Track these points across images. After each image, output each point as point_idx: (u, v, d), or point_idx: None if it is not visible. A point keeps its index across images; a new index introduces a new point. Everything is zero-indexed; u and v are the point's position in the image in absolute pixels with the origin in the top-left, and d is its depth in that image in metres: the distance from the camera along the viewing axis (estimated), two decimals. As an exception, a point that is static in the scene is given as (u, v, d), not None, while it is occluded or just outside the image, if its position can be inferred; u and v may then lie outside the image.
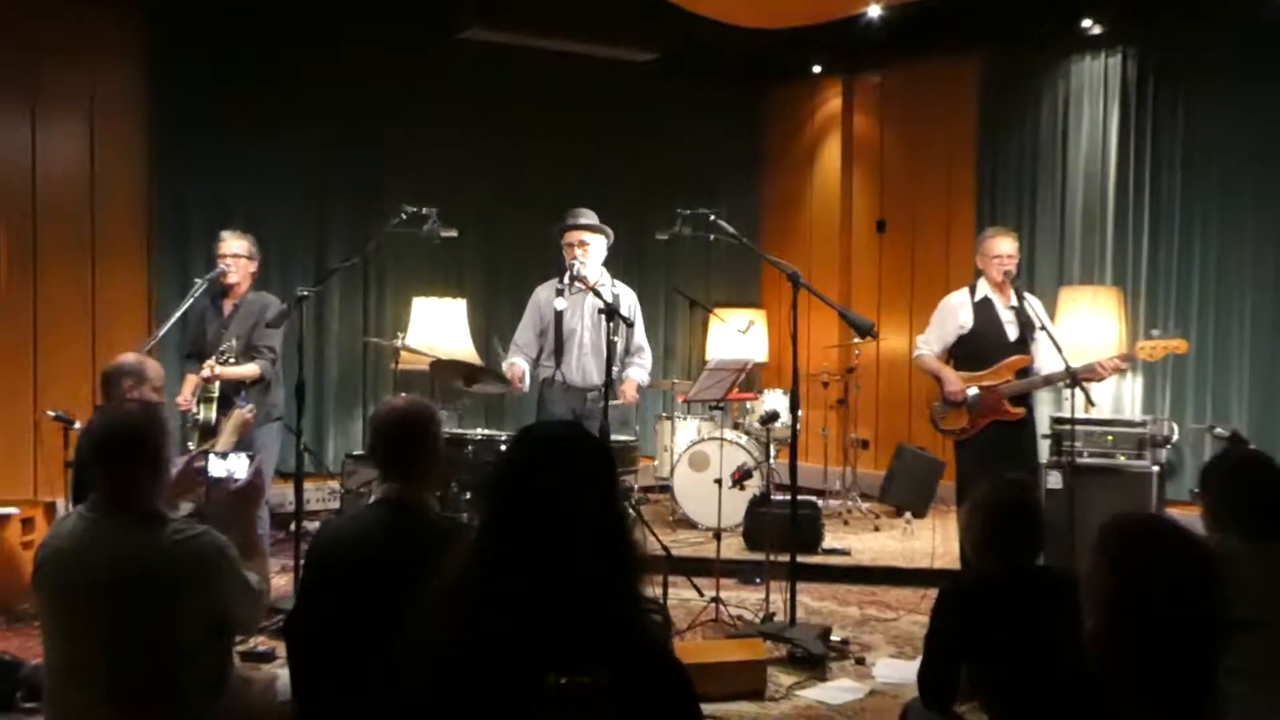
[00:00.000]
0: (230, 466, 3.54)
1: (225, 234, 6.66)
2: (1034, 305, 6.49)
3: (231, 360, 6.25)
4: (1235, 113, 7.69)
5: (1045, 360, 6.37)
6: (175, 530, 3.09)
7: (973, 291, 6.54)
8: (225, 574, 3.10)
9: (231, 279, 6.51)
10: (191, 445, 6.27)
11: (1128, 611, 2.02)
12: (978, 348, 6.45)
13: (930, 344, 6.58)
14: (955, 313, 6.51)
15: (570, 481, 2.05)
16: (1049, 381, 6.45)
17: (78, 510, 3.22)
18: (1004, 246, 6.42)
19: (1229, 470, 3.58)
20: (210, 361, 6.22)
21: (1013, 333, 6.43)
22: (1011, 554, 3.44)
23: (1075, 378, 6.00)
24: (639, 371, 6.90)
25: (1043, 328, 6.30)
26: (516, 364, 6.74)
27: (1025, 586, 3.38)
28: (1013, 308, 6.45)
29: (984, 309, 6.47)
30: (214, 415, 6.25)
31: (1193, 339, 7.89)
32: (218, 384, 6.31)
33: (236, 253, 6.53)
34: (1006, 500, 3.49)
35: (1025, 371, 6.40)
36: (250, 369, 6.39)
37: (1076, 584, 2.15)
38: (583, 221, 6.73)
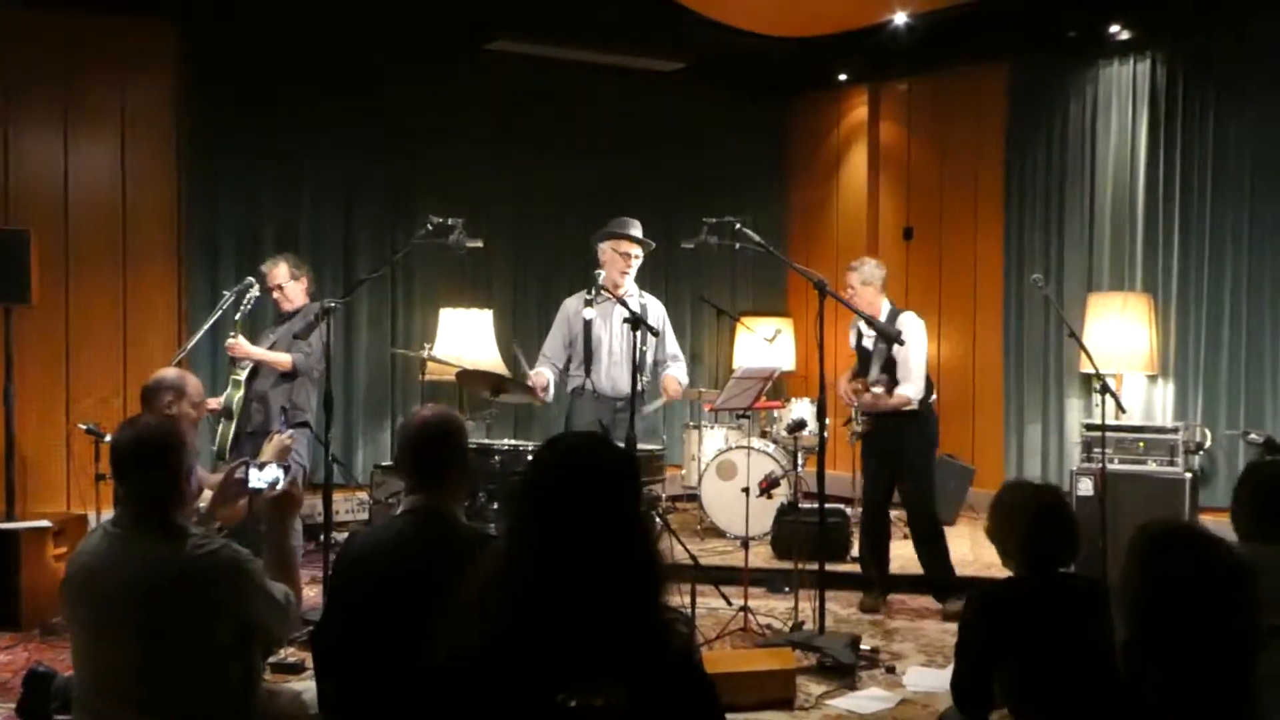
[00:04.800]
0: (268, 477, 3.55)
1: (263, 267, 6.71)
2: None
3: (252, 302, 6.42)
4: (1265, 118, 7.63)
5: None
6: (196, 543, 3.10)
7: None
8: (248, 585, 3.11)
9: (286, 307, 6.60)
10: (219, 431, 6.32)
11: (1160, 619, 2.01)
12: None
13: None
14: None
15: (592, 492, 2.05)
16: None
17: (103, 525, 3.24)
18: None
19: (1265, 480, 3.56)
20: (235, 333, 6.31)
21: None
22: (1043, 559, 3.40)
23: None
24: (679, 369, 6.91)
25: None
26: (542, 373, 6.73)
27: (1054, 592, 3.35)
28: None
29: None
30: (238, 397, 6.29)
31: (1225, 344, 7.85)
32: (245, 369, 6.35)
33: (279, 283, 6.58)
34: (1039, 505, 3.46)
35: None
36: (283, 357, 6.40)
37: (1105, 590, 2.14)
38: (635, 234, 6.72)
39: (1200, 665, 1.97)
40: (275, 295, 6.59)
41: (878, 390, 6.57)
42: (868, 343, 6.78)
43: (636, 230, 6.73)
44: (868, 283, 6.67)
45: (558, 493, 2.06)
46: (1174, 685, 1.98)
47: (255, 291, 6.62)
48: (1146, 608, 2.03)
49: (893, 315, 6.67)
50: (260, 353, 6.38)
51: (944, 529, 6.86)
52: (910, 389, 6.53)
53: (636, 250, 6.69)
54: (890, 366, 6.61)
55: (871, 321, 6.35)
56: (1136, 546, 2.10)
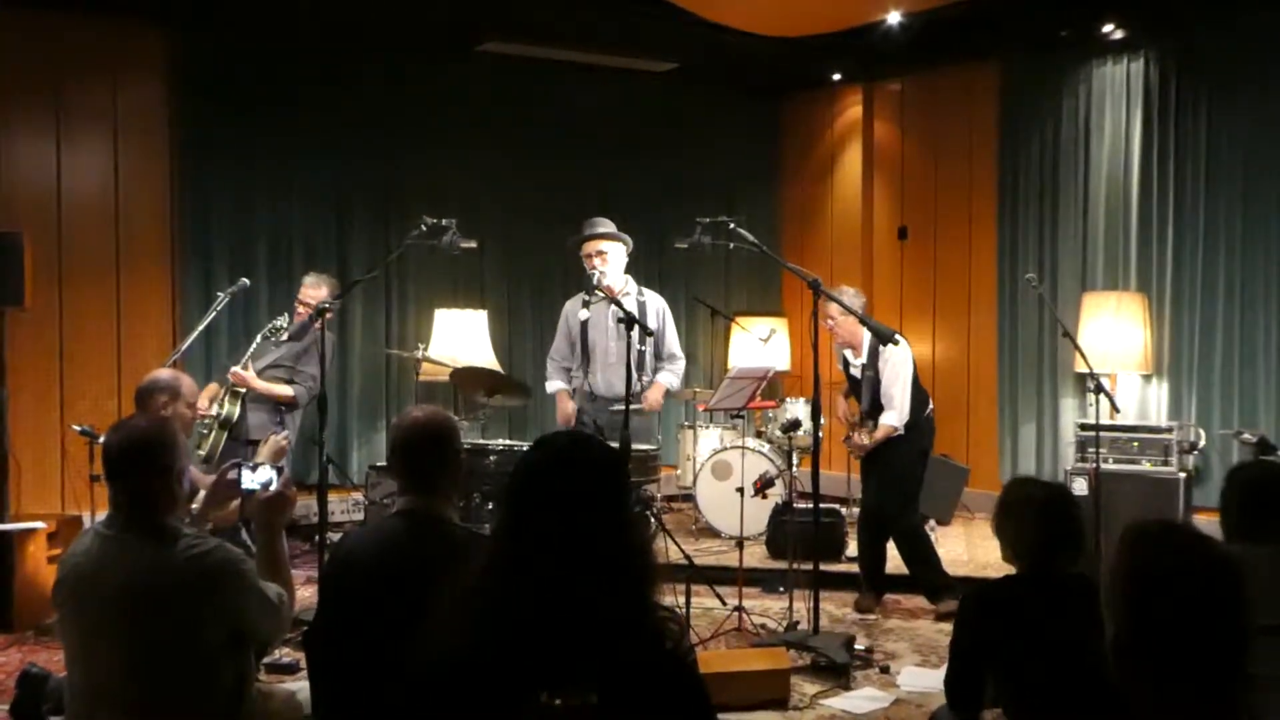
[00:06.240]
0: (261, 478, 3.57)
1: (306, 279, 6.74)
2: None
3: (284, 335, 6.46)
4: (1259, 116, 7.64)
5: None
6: (189, 545, 3.08)
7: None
8: (240, 586, 3.10)
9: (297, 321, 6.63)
10: (210, 438, 6.31)
11: (1148, 618, 2.00)
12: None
13: None
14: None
15: (578, 489, 2.05)
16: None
17: (94, 526, 3.23)
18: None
19: (1249, 481, 3.58)
20: (245, 364, 6.31)
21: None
22: (1048, 557, 3.40)
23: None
24: (668, 376, 6.92)
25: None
26: (565, 403, 6.91)
27: (1049, 591, 3.36)
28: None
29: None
30: (236, 411, 6.30)
31: (1218, 343, 7.85)
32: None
33: (313, 302, 6.59)
34: (1048, 501, 3.45)
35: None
36: (284, 389, 6.45)
37: (1099, 589, 2.13)
38: (599, 231, 6.73)
39: (1187, 664, 1.97)
40: (300, 309, 6.63)
41: (863, 439, 6.59)
42: (855, 371, 6.74)
43: (601, 227, 6.74)
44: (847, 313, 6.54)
45: (543, 491, 2.07)
46: (1161, 684, 1.98)
47: (285, 320, 6.67)
48: (1132, 606, 2.03)
49: (875, 345, 6.53)
50: (262, 385, 6.42)
51: (927, 535, 6.84)
52: (893, 416, 6.49)
53: (603, 246, 6.69)
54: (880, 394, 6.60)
55: (865, 321, 6.32)
56: (1123, 544, 2.10)
